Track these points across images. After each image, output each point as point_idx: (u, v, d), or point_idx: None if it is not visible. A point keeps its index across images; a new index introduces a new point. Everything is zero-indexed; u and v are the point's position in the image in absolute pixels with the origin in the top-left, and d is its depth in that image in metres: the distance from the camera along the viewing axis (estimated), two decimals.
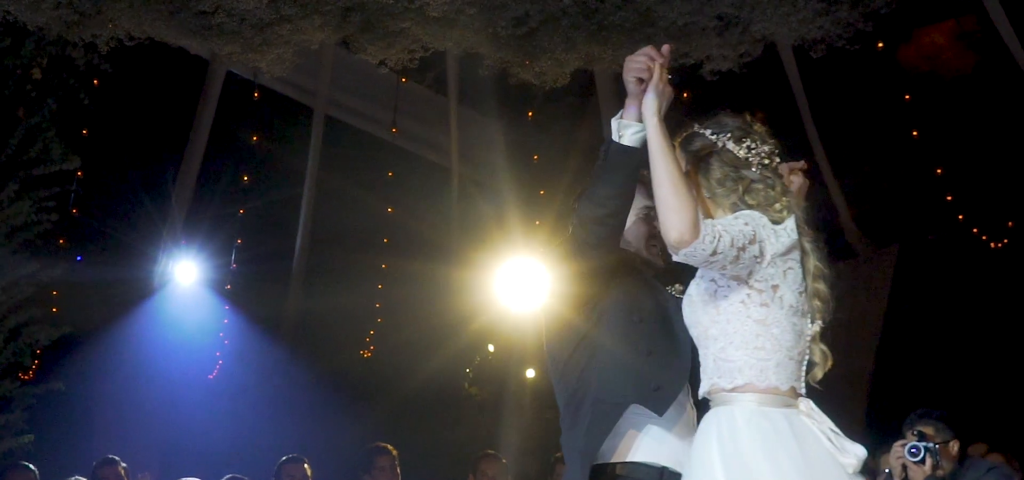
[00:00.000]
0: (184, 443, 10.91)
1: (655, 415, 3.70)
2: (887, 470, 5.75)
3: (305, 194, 10.92)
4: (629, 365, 3.73)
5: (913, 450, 5.48)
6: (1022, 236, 11.31)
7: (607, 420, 3.74)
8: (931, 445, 5.47)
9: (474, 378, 12.52)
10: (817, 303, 3.40)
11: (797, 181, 3.78)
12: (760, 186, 3.43)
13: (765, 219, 3.35)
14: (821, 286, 3.41)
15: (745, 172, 3.45)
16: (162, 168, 10.68)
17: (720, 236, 3.23)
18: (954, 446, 5.64)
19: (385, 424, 10.87)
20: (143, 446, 10.71)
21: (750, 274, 3.33)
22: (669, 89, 3.42)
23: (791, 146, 10.58)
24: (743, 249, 3.26)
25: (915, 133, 10.36)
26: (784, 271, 3.35)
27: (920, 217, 11.44)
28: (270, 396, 11.35)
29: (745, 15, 8.21)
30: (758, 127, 3.53)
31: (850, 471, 3.27)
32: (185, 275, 11.03)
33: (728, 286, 3.37)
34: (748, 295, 3.34)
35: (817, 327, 3.42)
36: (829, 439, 3.29)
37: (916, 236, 11.56)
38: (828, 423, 3.34)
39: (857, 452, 3.31)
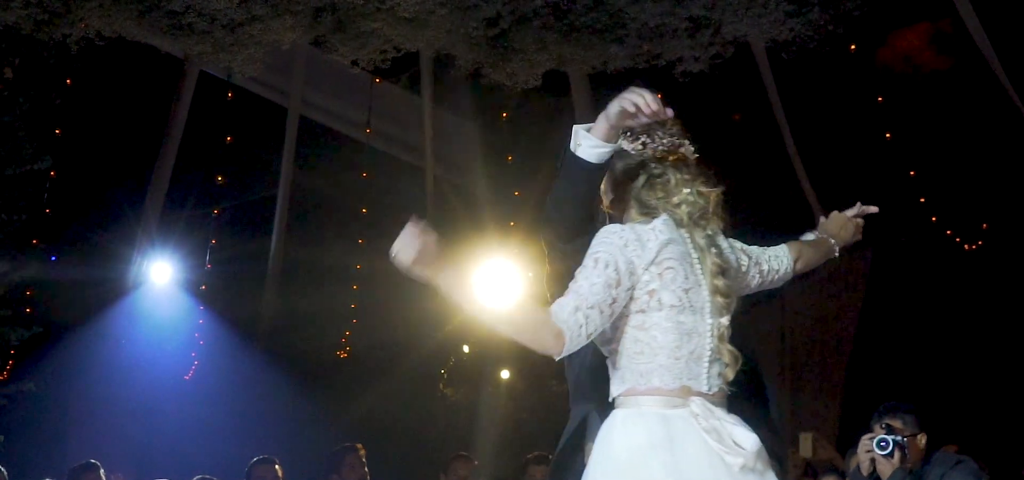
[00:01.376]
0: (158, 444, 10.89)
1: None
2: (857, 465, 5.75)
3: (280, 194, 10.90)
4: (599, 372, 3.75)
5: (882, 443, 5.47)
6: (996, 238, 11.35)
7: (572, 422, 3.80)
8: (899, 438, 5.46)
9: (449, 379, 12.53)
10: (719, 299, 3.36)
11: (849, 215, 4.06)
12: (659, 181, 3.45)
13: (629, 232, 3.34)
14: (720, 281, 3.37)
15: (641, 169, 3.48)
16: (136, 168, 10.66)
17: (587, 319, 3.23)
18: (922, 440, 5.62)
19: (360, 424, 10.86)
20: (117, 447, 10.67)
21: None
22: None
23: (766, 148, 10.60)
24: (614, 300, 3.27)
25: (888, 135, 10.38)
26: (660, 273, 3.31)
27: (894, 219, 11.47)
28: (245, 397, 11.32)
29: (716, 17, 8.24)
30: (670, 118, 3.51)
31: (737, 468, 3.21)
32: (160, 275, 11.02)
33: None
34: (624, 305, 3.33)
35: (723, 322, 3.37)
36: (718, 438, 3.24)
37: (890, 238, 11.60)
38: (719, 419, 3.28)
39: (748, 444, 3.25)
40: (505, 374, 12.19)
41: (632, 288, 3.31)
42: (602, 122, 3.34)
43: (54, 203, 10.20)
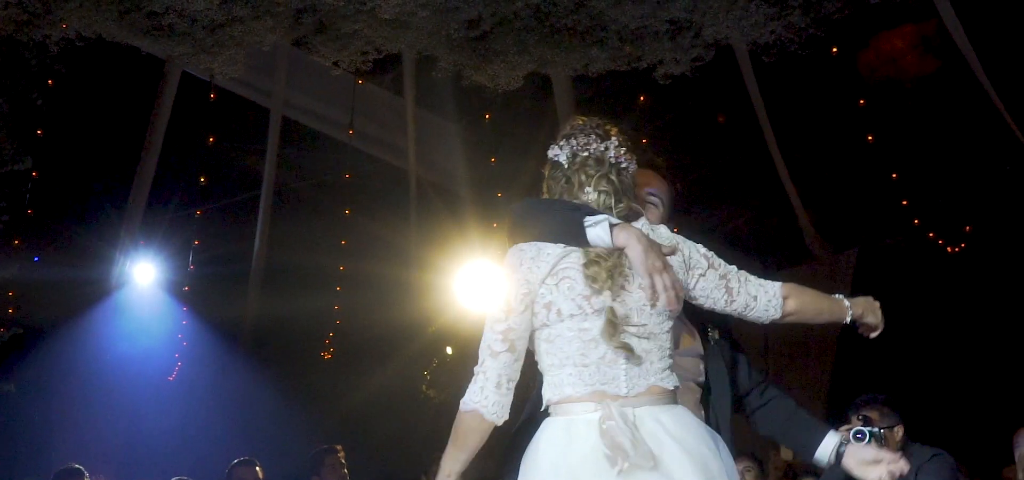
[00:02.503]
0: (141, 445, 10.88)
1: None
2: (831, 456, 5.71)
3: (263, 195, 10.87)
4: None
5: (858, 435, 5.44)
6: (980, 241, 11.37)
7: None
8: (875, 430, 5.42)
9: (432, 381, 12.51)
10: (597, 285, 3.31)
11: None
12: (565, 186, 3.50)
13: (529, 249, 3.36)
14: (586, 275, 3.33)
15: (557, 173, 3.53)
16: (119, 168, 10.63)
17: (484, 375, 3.35)
18: (899, 431, 5.60)
19: (343, 426, 10.87)
20: (99, 448, 10.66)
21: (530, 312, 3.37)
22: None
23: (749, 149, 10.60)
24: (508, 330, 3.34)
25: (870, 138, 10.39)
26: (556, 284, 3.33)
27: (878, 221, 11.49)
28: (228, 398, 11.32)
29: (697, 19, 8.22)
30: (579, 121, 3.57)
31: (615, 472, 3.19)
32: (143, 276, 11.00)
33: None
34: (530, 320, 3.38)
35: (606, 300, 3.30)
36: (609, 442, 3.21)
37: (874, 240, 11.62)
38: (619, 422, 3.23)
39: (635, 444, 3.20)
40: None
41: (531, 306, 3.35)
42: (622, 239, 3.33)
43: (36, 204, 10.18)
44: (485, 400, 3.34)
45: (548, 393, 3.39)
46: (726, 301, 3.55)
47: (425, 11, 8.03)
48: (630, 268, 3.36)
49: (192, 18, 7.95)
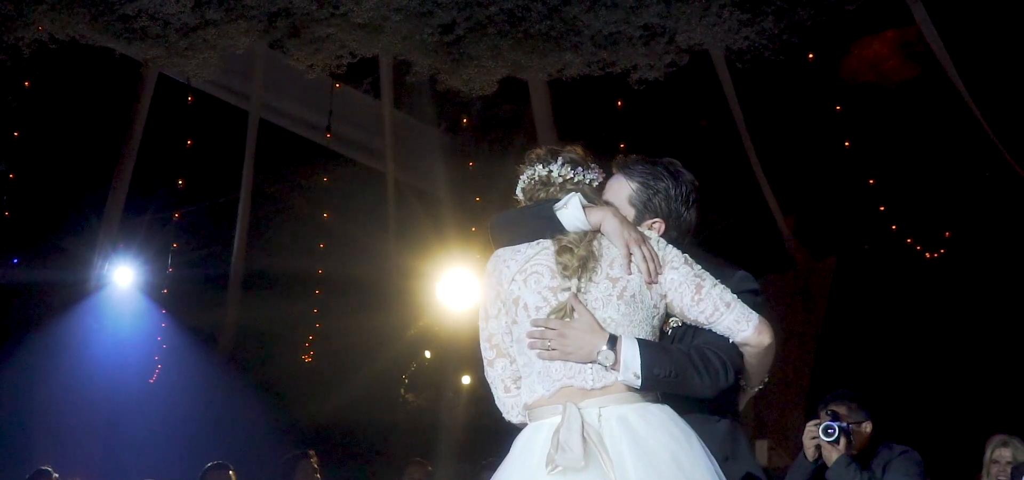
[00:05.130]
0: (118, 448, 10.86)
1: None
2: (802, 452, 5.71)
3: (241, 198, 10.84)
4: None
5: (828, 430, 5.44)
6: (958, 247, 11.37)
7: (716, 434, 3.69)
8: (845, 425, 5.44)
9: (410, 384, 12.53)
10: (568, 272, 3.34)
11: None
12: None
13: (504, 252, 3.46)
14: (558, 262, 3.36)
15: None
16: (97, 170, 10.61)
17: (491, 383, 3.51)
18: (867, 427, 5.59)
19: (322, 429, 10.86)
20: (78, 450, 10.65)
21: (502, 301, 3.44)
22: None
23: (728, 154, 10.56)
24: (490, 336, 3.46)
25: (847, 143, 10.39)
26: (524, 280, 3.39)
27: (857, 227, 11.50)
28: (207, 401, 11.29)
29: (670, 25, 8.24)
30: (533, 155, 3.64)
31: (546, 473, 3.16)
32: (122, 279, 10.97)
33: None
34: (506, 321, 3.44)
35: (572, 287, 3.32)
36: (554, 444, 3.19)
37: (854, 247, 11.63)
38: (574, 422, 3.20)
39: (554, 459, 3.19)
40: (466, 379, 12.20)
41: (504, 304, 3.40)
42: (598, 217, 3.41)
43: (14, 206, 10.16)
44: (502, 406, 3.49)
45: (524, 396, 3.41)
46: (693, 299, 3.36)
47: (398, 16, 8.05)
48: (601, 255, 3.38)
49: (165, 21, 7.96)
